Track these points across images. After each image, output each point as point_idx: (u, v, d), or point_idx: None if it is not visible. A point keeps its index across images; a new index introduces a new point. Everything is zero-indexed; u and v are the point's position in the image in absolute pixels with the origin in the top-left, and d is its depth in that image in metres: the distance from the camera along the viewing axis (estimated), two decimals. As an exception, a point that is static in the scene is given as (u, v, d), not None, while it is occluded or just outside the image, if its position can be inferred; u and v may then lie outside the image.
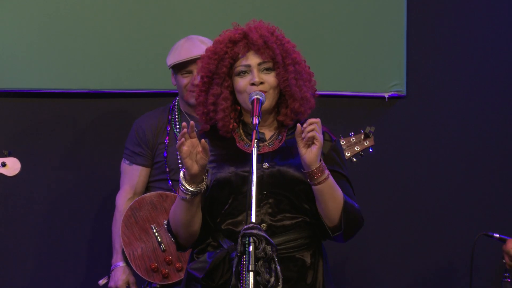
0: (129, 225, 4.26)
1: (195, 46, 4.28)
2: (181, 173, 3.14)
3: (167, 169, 4.32)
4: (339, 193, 3.18)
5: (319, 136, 3.10)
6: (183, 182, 3.12)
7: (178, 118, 4.38)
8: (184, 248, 3.29)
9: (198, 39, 4.34)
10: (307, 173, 3.13)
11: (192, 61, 4.24)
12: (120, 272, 4.32)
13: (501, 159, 5.30)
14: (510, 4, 5.32)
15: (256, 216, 3.16)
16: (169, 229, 3.29)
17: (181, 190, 3.14)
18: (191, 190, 3.12)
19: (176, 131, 4.34)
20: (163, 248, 4.21)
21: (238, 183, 3.19)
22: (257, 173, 3.16)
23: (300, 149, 3.12)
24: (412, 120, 5.28)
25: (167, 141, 4.33)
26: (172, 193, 4.24)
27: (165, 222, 4.19)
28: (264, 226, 3.19)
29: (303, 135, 3.10)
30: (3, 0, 4.98)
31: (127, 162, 4.40)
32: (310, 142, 3.10)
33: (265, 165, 3.22)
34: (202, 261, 3.21)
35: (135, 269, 4.24)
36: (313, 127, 3.10)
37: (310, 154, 3.10)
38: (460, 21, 5.32)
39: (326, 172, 3.14)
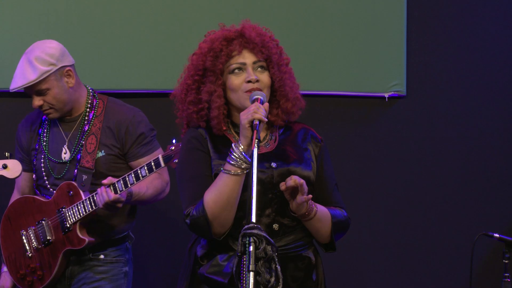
0: (6, 229, 4.23)
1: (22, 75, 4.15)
2: (237, 147, 3.11)
3: (34, 177, 4.27)
4: (327, 219, 3.24)
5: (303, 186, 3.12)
6: (244, 153, 3.09)
7: (48, 121, 4.27)
8: (219, 235, 3.18)
9: (29, 60, 4.17)
10: (298, 215, 3.19)
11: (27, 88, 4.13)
12: (2, 278, 4.30)
13: (501, 159, 5.30)
14: (510, 4, 5.32)
15: (267, 216, 3.18)
16: (200, 218, 3.14)
17: (237, 165, 3.10)
18: (249, 161, 3.09)
19: (44, 137, 4.24)
20: (29, 255, 4.16)
21: (245, 183, 3.16)
22: (266, 173, 3.18)
23: (289, 200, 3.16)
24: (412, 120, 5.28)
25: (37, 146, 4.26)
26: (35, 196, 4.20)
27: (32, 228, 4.14)
28: (276, 226, 3.20)
29: (282, 189, 3.13)
30: (3, 0, 4.98)
31: None
32: (295, 192, 3.13)
33: (273, 165, 3.22)
34: (215, 264, 3.19)
35: (10, 274, 4.21)
36: (292, 182, 3.11)
37: (298, 202, 3.14)
38: (460, 21, 5.32)
39: (314, 209, 3.19)
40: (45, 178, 4.18)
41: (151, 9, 5.06)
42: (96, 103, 4.19)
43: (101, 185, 3.96)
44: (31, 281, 4.14)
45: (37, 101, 4.12)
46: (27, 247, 4.16)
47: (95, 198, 3.96)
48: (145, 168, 3.89)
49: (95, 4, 5.03)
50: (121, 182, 3.91)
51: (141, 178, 3.90)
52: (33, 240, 4.13)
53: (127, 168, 4.15)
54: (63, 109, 4.15)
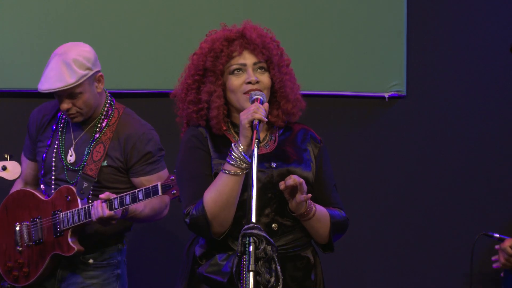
0: (1, 218, 4.22)
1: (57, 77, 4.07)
2: (237, 147, 3.11)
3: (42, 172, 4.23)
4: (326, 220, 3.24)
5: (302, 186, 3.13)
6: (243, 153, 3.09)
7: (64, 118, 4.22)
8: (219, 235, 3.18)
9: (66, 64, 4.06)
10: (297, 215, 3.19)
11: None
12: None
13: (501, 159, 5.30)
14: (510, 4, 5.32)
15: (266, 215, 3.18)
16: (199, 218, 3.16)
17: (236, 165, 3.10)
18: (249, 161, 3.09)
19: (59, 131, 4.20)
20: (19, 249, 4.16)
21: (244, 183, 3.16)
22: (266, 172, 3.18)
23: (288, 199, 3.16)
24: (412, 120, 5.28)
25: (50, 141, 4.22)
26: (35, 192, 4.18)
27: (26, 223, 4.14)
28: (275, 225, 3.20)
29: (282, 188, 3.13)
30: (3, 0, 4.98)
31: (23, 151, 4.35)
32: (294, 192, 3.14)
33: (273, 164, 3.23)
34: (214, 263, 3.19)
35: None
36: (292, 181, 3.12)
37: (297, 201, 3.15)
38: (460, 21, 5.32)
39: (313, 209, 3.20)
40: (53, 174, 4.16)
41: (151, 9, 5.07)
42: (111, 113, 4.16)
43: (98, 194, 3.95)
44: (17, 276, 4.14)
45: (66, 104, 4.05)
46: (19, 241, 4.15)
47: (90, 209, 3.95)
48: (143, 192, 3.86)
49: (95, 4, 5.03)
50: (118, 200, 3.88)
51: (137, 201, 3.88)
52: (25, 236, 4.13)
53: (127, 182, 4.13)
54: (88, 114, 4.11)
